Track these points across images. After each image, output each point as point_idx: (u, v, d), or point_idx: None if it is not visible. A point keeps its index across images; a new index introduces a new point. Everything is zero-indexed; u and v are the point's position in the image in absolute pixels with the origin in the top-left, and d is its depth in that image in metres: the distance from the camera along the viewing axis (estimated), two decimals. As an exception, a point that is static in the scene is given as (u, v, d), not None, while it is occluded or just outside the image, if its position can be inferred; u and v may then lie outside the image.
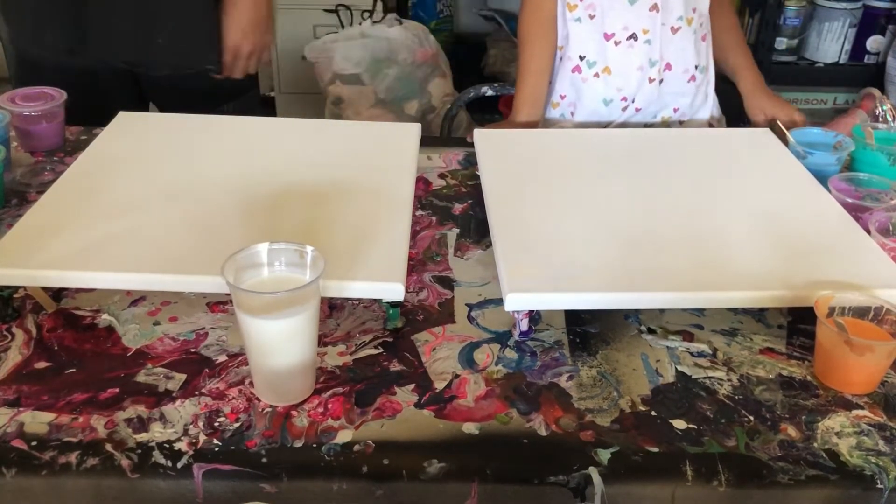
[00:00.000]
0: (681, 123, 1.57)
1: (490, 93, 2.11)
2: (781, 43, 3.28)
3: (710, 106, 1.59)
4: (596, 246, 1.01)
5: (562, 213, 1.08)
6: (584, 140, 1.31)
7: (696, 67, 1.54)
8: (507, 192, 1.12)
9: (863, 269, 0.98)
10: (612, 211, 1.09)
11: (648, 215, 1.08)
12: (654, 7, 1.47)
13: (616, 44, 1.48)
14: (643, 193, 1.13)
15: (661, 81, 1.51)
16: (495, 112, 2.82)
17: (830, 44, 3.32)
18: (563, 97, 1.55)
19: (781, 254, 1.00)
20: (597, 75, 1.51)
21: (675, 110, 1.55)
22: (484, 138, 1.28)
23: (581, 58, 1.51)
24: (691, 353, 0.95)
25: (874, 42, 3.31)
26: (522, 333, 0.97)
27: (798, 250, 1.01)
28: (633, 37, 1.48)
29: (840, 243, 1.03)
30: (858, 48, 3.33)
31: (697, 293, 0.95)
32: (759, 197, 1.13)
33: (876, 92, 1.97)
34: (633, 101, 1.52)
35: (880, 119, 1.83)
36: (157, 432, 0.83)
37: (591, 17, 1.48)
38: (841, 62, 3.36)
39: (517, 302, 0.93)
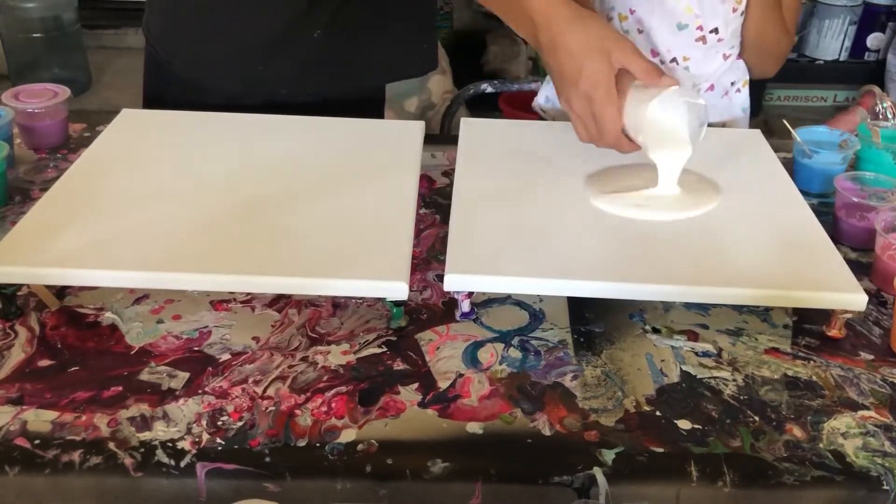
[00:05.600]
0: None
1: (490, 90, 2.11)
2: (782, 40, 3.27)
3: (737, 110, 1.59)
4: (554, 234, 1.02)
5: (530, 202, 1.08)
6: (571, 134, 1.30)
7: (732, 84, 1.54)
8: (478, 178, 1.13)
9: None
10: (581, 202, 1.09)
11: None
12: (702, 39, 1.46)
13: (661, 63, 1.48)
14: None
15: None
16: (495, 109, 2.82)
17: (831, 41, 3.32)
18: None
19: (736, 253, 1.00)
20: None
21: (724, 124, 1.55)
22: (469, 126, 1.28)
23: None
24: (696, 353, 0.95)
25: (874, 39, 3.31)
26: (464, 314, 0.99)
27: (781, 251, 1.01)
28: (675, 61, 1.47)
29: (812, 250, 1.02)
30: (859, 45, 3.33)
31: (659, 285, 0.95)
32: (738, 197, 1.12)
33: (876, 89, 1.96)
34: None
35: (881, 116, 1.83)
36: (160, 431, 0.83)
37: (640, 31, 1.47)
38: (841, 59, 3.37)
39: (456, 283, 0.95)
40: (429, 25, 1.50)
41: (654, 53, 1.48)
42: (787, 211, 1.09)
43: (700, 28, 1.45)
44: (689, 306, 1.02)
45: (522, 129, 1.33)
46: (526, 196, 1.09)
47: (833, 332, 0.98)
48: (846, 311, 0.96)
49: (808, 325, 1.00)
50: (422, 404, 0.87)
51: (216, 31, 1.35)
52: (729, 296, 0.96)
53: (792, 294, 0.95)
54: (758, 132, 1.32)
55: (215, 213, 1.03)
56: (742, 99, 1.57)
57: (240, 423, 0.84)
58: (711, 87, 1.51)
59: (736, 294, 0.95)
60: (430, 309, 1.00)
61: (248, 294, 1.01)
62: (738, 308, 1.02)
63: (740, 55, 1.54)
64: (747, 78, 1.56)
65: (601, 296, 0.95)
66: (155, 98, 1.44)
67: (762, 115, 3.22)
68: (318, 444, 0.82)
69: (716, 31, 1.46)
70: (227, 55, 1.36)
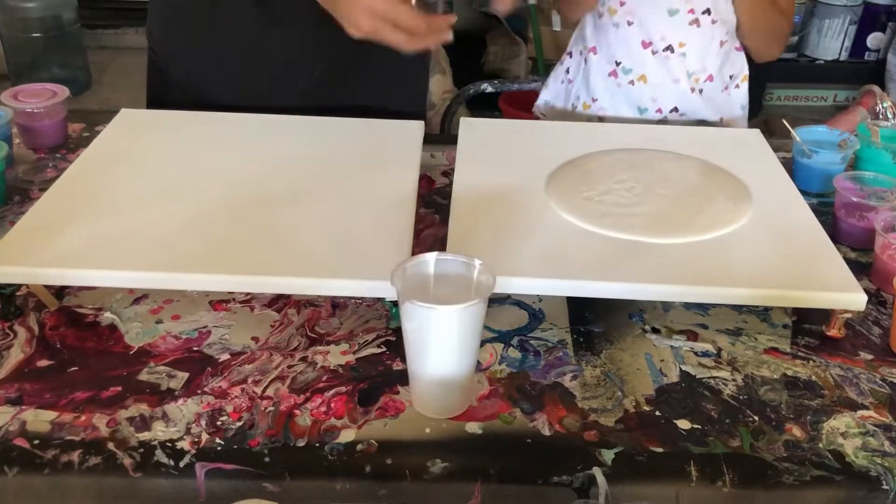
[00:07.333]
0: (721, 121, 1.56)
1: (490, 89, 2.10)
2: (782, 40, 3.28)
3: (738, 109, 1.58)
4: (554, 234, 1.02)
5: (530, 201, 1.08)
6: (571, 134, 1.30)
7: (731, 78, 1.54)
8: (478, 178, 1.13)
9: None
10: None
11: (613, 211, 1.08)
12: (695, 22, 1.46)
13: (653, 53, 1.48)
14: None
15: (700, 91, 1.50)
16: (495, 109, 2.82)
17: (831, 41, 3.32)
18: (594, 100, 1.54)
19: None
20: (632, 83, 1.50)
21: (721, 119, 1.55)
22: (469, 126, 1.28)
23: (617, 63, 1.50)
24: (696, 353, 0.95)
25: (874, 39, 3.32)
26: None
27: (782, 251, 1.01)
28: (670, 48, 1.47)
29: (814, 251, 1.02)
30: (859, 45, 3.34)
31: (659, 285, 0.95)
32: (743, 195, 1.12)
33: (876, 89, 1.97)
34: (671, 112, 1.51)
35: (881, 116, 1.83)
36: (159, 431, 0.83)
37: (630, 23, 1.48)
38: (841, 59, 3.37)
39: None
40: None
41: (647, 44, 1.48)
42: (786, 211, 1.09)
43: (692, 11, 1.45)
44: (688, 306, 1.02)
45: (522, 128, 1.33)
46: (525, 196, 1.09)
47: (832, 332, 0.98)
48: (845, 311, 0.96)
49: (807, 324, 1.00)
50: (421, 404, 0.87)
51: (215, 49, 1.35)
52: (728, 296, 0.96)
53: (791, 294, 0.95)
54: (757, 132, 1.32)
55: (214, 213, 1.03)
56: (741, 96, 1.57)
57: (239, 424, 0.84)
58: (710, 78, 1.51)
59: (735, 294, 0.95)
60: (429, 309, 1.00)
61: (248, 294, 1.01)
62: (738, 308, 1.02)
63: (740, 46, 1.54)
64: (747, 73, 1.56)
65: (601, 296, 0.95)
66: (156, 100, 1.44)
67: (762, 115, 3.23)
68: (317, 444, 0.82)
69: (708, 11, 1.46)
70: (226, 75, 1.36)
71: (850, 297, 0.94)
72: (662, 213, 1.07)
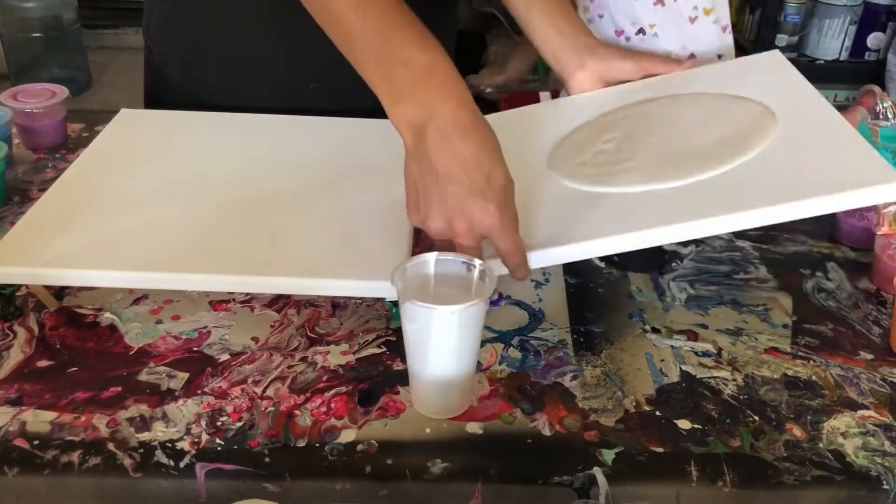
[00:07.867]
0: None
1: (490, 90, 2.11)
2: (782, 40, 3.28)
3: None
4: (560, 204, 1.01)
5: (535, 184, 1.06)
6: (566, 108, 1.30)
7: (720, 57, 1.54)
8: None
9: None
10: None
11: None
12: (659, 1, 1.47)
13: (627, 39, 1.49)
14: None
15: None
16: (495, 109, 2.81)
17: (831, 41, 3.32)
18: None
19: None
20: None
21: None
22: None
23: None
24: (696, 353, 0.95)
25: (875, 39, 3.31)
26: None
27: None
28: (642, 31, 1.48)
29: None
30: (859, 45, 3.33)
31: (704, 220, 0.91)
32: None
33: (876, 89, 1.96)
34: None
35: (881, 116, 1.83)
36: (159, 431, 0.83)
37: (601, 16, 1.49)
38: (841, 59, 3.36)
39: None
40: None
41: (619, 32, 1.49)
42: (813, 117, 1.04)
43: None
44: (688, 306, 1.02)
45: (518, 117, 1.32)
46: (531, 179, 1.07)
47: (884, 230, 0.94)
48: (889, 205, 0.93)
49: (807, 324, 1.00)
50: (421, 404, 0.87)
51: (213, 49, 1.35)
52: (770, 216, 0.90)
53: (831, 199, 0.90)
54: (776, 52, 1.24)
55: (214, 212, 1.03)
56: None
57: (239, 424, 0.84)
58: (692, 56, 1.51)
59: (777, 213, 0.90)
60: (429, 309, 1.00)
61: (248, 294, 1.01)
62: (738, 308, 1.02)
63: (727, 25, 1.54)
64: (733, 55, 1.57)
65: (646, 244, 0.92)
66: (153, 99, 1.44)
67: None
68: (317, 445, 0.82)
69: None
70: (224, 76, 1.36)
71: (892, 189, 0.90)
72: (685, 152, 1.03)
